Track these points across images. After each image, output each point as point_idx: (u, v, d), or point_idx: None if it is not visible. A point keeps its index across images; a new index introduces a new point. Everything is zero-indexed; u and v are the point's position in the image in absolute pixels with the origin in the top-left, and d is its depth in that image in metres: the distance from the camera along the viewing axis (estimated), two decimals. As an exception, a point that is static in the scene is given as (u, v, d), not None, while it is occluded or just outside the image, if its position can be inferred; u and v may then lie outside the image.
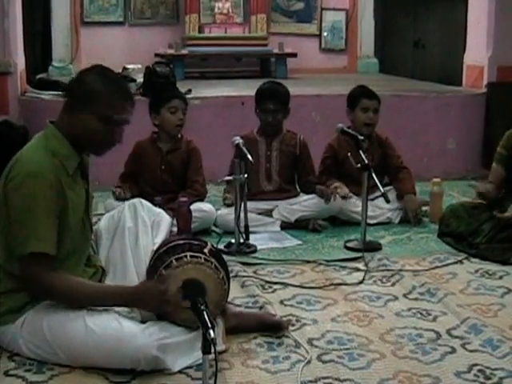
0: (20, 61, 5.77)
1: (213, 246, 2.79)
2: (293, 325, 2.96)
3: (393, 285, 3.47)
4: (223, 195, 4.53)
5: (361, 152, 3.96)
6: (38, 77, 6.52)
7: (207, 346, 2.11)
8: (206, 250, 2.68)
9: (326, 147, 4.66)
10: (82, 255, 2.72)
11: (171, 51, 7.34)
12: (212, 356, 2.13)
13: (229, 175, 4.05)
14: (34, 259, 2.47)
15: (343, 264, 3.74)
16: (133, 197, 3.93)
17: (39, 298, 2.57)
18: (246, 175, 3.88)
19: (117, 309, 2.58)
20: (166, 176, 4.36)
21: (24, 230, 2.48)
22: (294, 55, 7.56)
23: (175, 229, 3.86)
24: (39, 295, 2.56)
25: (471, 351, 2.73)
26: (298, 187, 4.60)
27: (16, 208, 2.49)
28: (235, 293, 3.21)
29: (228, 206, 4.35)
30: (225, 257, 2.93)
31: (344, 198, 4.36)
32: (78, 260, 2.69)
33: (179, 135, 4.40)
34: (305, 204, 4.39)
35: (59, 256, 2.56)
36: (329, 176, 4.58)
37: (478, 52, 6.17)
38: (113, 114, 2.56)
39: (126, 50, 7.72)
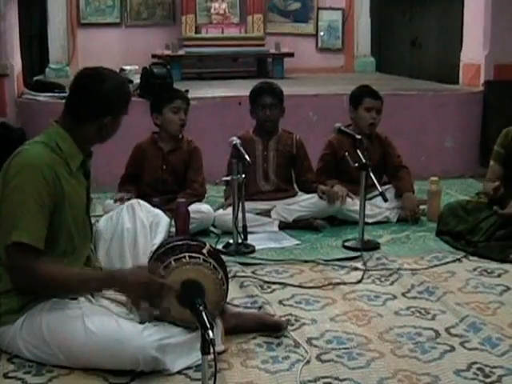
0: (17, 63, 5.77)
1: (211, 246, 2.79)
2: (292, 325, 2.96)
3: (391, 284, 3.47)
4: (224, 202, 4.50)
5: (359, 151, 3.97)
6: (35, 79, 6.52)
7: (206, 346, 2.11)
8: (204, 251, 2.69)
9: (326, 144, 4.66)
10: (81, 254, 2.72)
11: (168, 52, 7.33)
12: (211, 356, 2.13)
13: (226, 176, 4.05)
14: (18, 249, 2.46)
15: (342, 263, 3.74)
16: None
17: (26, 290, 2.54)
18: (243, 175, 3.88)
19: (116, 310, 2.58)
20: (166, 176, 4.36)
21: (12, 219, 2.48)
22: (291, 55, 7.55)
23: (173, 230, 3.87)
24: (24, 285, 2.54)
25: (470, 349, 2.73)
26: (296, 187, 4.60)
27: (7, 198, 2.50)
28: (234, 293, 3.21)
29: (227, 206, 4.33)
30: (223, 257, 2.93)
31: (348, 196, 4.40)
32: (78, 259, 2.69)
33: (180, 135, 4.40)
34: (303, 204, 4.39)
35: (57, 253, 2.56)
36: (327, 174, 4.59)
37: (474, 50, 6.18)
38: (124, 114, 2.70)
39: (122, 51, 7.71)
